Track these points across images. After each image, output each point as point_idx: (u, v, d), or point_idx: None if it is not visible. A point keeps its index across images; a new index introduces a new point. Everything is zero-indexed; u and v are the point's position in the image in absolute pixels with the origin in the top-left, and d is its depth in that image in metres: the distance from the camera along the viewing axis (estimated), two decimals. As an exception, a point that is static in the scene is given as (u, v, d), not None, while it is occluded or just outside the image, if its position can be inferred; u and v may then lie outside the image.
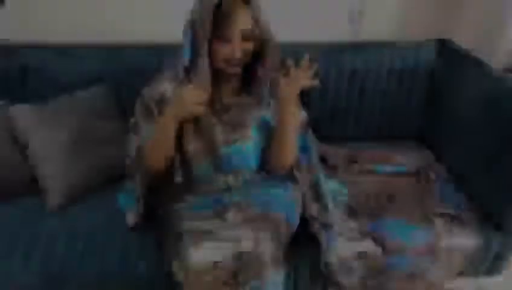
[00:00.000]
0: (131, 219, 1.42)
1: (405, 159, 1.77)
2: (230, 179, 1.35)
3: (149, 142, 1.28)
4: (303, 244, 1.41)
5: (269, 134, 1.35)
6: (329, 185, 1.54)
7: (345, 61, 1.79)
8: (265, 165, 1.39)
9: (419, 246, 1.42)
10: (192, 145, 1.28)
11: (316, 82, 1.21)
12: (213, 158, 1.31)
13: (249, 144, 1.32)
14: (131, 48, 1.71)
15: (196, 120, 1.26)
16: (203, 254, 1.16)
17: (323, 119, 1.87)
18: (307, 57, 1.19)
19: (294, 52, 1.34)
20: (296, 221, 1.37)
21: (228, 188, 1.35)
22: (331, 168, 1.67)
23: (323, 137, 1.80)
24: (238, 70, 1.24)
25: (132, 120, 1.35)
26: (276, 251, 1.21)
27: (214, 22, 1.16)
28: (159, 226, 1.40)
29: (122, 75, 1.69)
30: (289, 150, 1.33)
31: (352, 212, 1.52)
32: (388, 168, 1.71)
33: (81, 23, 1.75)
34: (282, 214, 1.30)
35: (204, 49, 1.18)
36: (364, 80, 1.82)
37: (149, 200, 1.45)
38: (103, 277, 1.32)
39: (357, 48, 1.81)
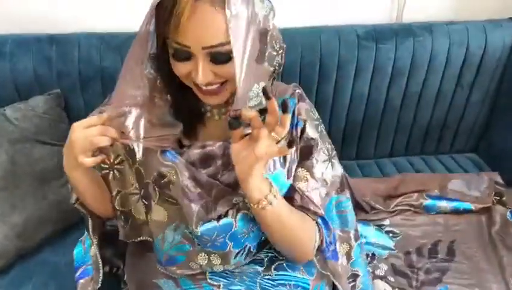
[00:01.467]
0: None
1: (465, 185, 1.30)
2: (216, 261, 0.85)
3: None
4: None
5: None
6: (369, 237, 1.08)
7: (382, 52, 1.28)
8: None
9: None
10: (153, 210, 0.83)
11: (288, 150, 0.69)
12: (184, 227, 0.83)
13: (246, 217, 0.80)
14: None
15: (160, 175, 0.79)
16: None
17: (351, 133, 1.39)
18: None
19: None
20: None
21: (223, 276, 0.88)
22: (369, 213, 1.20)
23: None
24: (219, 100, 0.75)
25: None
26: None
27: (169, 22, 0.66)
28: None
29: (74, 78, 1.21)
30: (288, 244, 0.82)
31: (400, 278, 1.07)
32: (444, 204, 1.24)
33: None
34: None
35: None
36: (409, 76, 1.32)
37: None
38: None
39: (398, 33, 1.30)
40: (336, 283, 0.89)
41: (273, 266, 0.89)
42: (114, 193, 0.88)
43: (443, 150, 1.48)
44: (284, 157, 0.81)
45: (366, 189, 1.25)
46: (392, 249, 1.14)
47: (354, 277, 0.92)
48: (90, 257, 0.97)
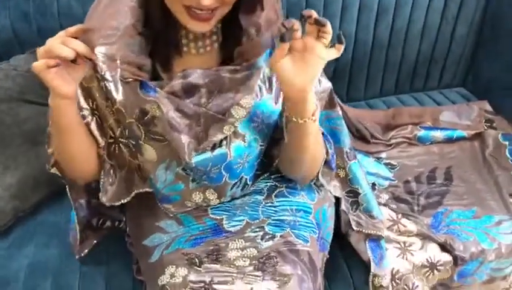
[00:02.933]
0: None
1: (456, 115, 1.32)
2: (211, 197, 0.86)
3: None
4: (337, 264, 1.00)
5: (271, 129, 0.85)
6: (369, 168, 1.09)
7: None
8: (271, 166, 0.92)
9: (502, 246, 1.00)
10: (142, 149, 0.80)
11: (339, 52, 0.68)
12: (176, 165, 0.81)
13: (239, 146, 0.80)
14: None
15: (142, 112, 0.76)
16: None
17: (340, 74, 1.38)
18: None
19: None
20: (330, 237, 0.94)
21: (225, 208, 0.88)
22: (367, 142, 1.21)
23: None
24: (207, 27, 0.72)
25: None
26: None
27: None
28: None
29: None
30: (310, 157, 0.83)
31: (402, 204, 1.09)
32: (437, 134, 1.26)
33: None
34: (313, 239, 0.86)
35: None
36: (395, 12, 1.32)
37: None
38: None
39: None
40: (339, 196, 0.95)
41: (273, 194, 0.90)
42: (102, 144, 0.83)
43: (432, 86, 1.49)
44: (270, 83, 0.80)
45: (365, 117, 1.27)
46: (392, 179, 1.16)
47: (355, 193, 0.93)
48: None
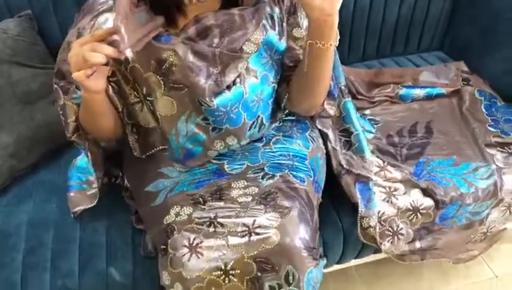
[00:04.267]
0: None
1: (434, 76, 1.38)
2: (231, 142, 0.91)
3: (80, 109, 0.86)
4: (327, 211, 1.05)
5: (279, 67, 0.90)
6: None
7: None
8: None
9: (479, 190, 1.07)
10: (160, 105, 0.84)
11: None
12: (196, 115, 0.86)
13: (253, 83, 0.86)
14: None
15: (159, 62, 0.80)
16: (203, 260, 0.77)
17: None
18: None
19: None
20: (323, 183, 0.99)
21: (225, 155, 0.93)
22: (354, 97, 1.26)
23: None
24: None
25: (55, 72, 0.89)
26: (310, 236, 0.82)
27: None
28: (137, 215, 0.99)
29: None
30: (325, 85, 0.89)
31: (386, 155, 1.15)
32: (417, 92, 1.32)
33: None
34: (309, 179, 0.91)
35: None
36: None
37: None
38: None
39: None
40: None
41: (271, 141, 0.94)
42: (121, 108, 0.88)
43: (411, 50, 1.55)
44: (272, 21, 0.84)
45: (349, 72, 1.31)
46: (375, 133, 1.22)
47: (348, 133, 0.99)
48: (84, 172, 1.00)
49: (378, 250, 1.11)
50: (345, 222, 1.05)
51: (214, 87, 0.81)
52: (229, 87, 0.82)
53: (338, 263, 1.13)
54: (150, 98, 0.84)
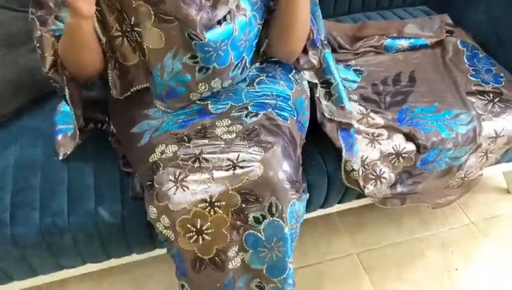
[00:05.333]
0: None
1: (419, 28, 1.39)
2: (215, 84, 0.91)
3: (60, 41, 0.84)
4: (312, 156, 1.08)
5: (267, 5, 0.91)
6: (340, 72, 1.15)
7: None
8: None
9: (459, 135, 1.11)
10: (148, 37, 0.83)
11: None
12: (183, 53, 0.85)
13: (243, 21, 0.86)
14: None
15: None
16: (189, 193, 0.79)
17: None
18: None
19: None
20: (306, 125, 1.01)
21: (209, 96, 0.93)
22: (335, 52, 1.27)
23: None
24: None
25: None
26: (293, 171, 0.84)
27: None
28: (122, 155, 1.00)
29: None
30: (302, 29, 0.91)
31: (370, 103, 1.17)
32: (402, 42, 1.33)
33: None
34: (292, 118, 0.92)
35: None
36: None
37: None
38: (43, 232, 0.92)
39: None
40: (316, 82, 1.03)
41: (255, 82, 0.95)
42: (104, 40, 0.87)
43: (397, 3, 1.55)
44: None
45: (333, 28, 1.32)
46: (360, 82, 1.23)
47: (328, 84, 1.00)
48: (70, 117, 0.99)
49: (361, 195, 1.15)
50: (329, 165, 1.07)
51: (205, 21, 0.80)
52: (219, 23, 0.82)
53: (322, 207, 1.17)
54: (137, 29, 0.83)
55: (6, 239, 0.90)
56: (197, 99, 0.93)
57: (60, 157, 1.01)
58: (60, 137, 1.04)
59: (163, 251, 1.06)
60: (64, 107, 1.09)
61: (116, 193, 0.97)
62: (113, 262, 1.07)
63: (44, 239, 0.92)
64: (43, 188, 0.97)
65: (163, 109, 0.93)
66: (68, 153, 1.01)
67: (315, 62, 1.02)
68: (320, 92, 1.03)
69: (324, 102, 1.04)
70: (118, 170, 1.01)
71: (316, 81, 1.03)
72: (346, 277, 1.29)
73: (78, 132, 0.98)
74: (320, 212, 1.21)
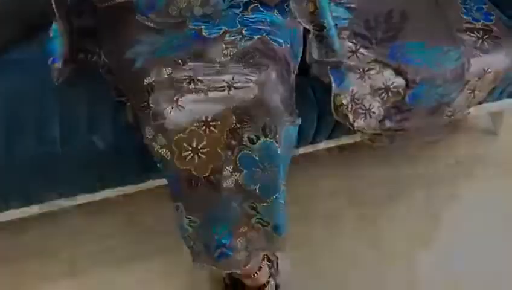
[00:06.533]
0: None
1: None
2: (196, 2, 0.91)
3: None
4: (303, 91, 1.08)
5: None
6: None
7: None
8: None
9: (448, 71, 1.12)
10: None
11: None
12: None
13: None
14: None
15: None
16: (185, 112, 0.80)
17: None
18: None
19: None
20: (299, 57, 1.01)
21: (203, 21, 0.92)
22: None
23: None
24: None
25: None
26: (287, 95, 0.85)
27: None
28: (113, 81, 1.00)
29: None
30: None
31: (361, 39, 1.17)
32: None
33: None
34: (286, 46, 0.92)
35: None
36: None
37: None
38: (40, 160, 0.94)
39: None
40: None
41: (249, 8, 0.95)
42: None
43: None
44: None
45: None
46: (351, 18, 1.22)
47: (320, 27, 1.00)
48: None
49: (349, 131, 1.17)
50: (320, 99, 1.09)
51: None
52: None
53: (311, 142, 1.19)
54: None
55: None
56: (191, 23, 0.92)
57: (56, 83, 0.99)
58: (56, 64, 1.01)
59: (156, 182, 1.09)
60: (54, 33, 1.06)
61: (110, 123, 0.98)
62: (107, 193, 1.09)
63: (39, 168, 0.94)
64: (36, 117, 0.97)
65: (151, 25, 0.92)
66: (64, 77, 1.00)
67: None
68: (312, 33, 1.03)
69: (315, 44, 1.04)
70: (110, 101, 1.01)
71: (310, 27, 1.03)
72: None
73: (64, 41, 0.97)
74: (309, 148, 1.23)
